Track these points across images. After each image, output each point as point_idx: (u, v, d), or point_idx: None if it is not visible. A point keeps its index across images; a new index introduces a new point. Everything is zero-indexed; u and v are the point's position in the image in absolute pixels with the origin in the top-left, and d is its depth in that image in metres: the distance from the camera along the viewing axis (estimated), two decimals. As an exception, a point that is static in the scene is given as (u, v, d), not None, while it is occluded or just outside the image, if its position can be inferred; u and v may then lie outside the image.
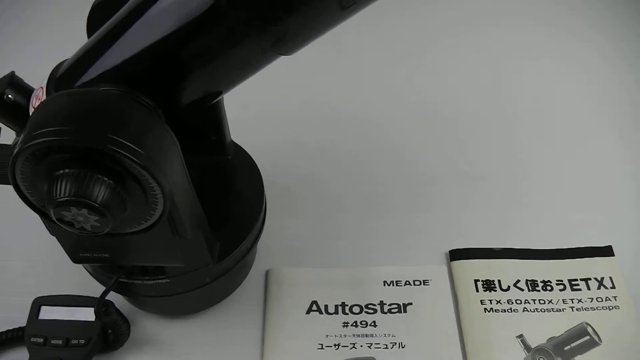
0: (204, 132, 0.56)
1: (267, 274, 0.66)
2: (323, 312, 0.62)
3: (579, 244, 0.66)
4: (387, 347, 0.60)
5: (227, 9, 0.39)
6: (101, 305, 0.54)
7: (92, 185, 0.39)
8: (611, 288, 0.63)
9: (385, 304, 0.63)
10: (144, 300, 0.60)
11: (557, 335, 0.59)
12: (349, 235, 0.69)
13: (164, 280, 0.54)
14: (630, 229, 0.68)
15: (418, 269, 0.65)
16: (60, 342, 0.57)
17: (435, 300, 0.63)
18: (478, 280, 0.64)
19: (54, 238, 0.50)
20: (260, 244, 0.61)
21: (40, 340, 0.57)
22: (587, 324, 0.60)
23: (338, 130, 0.80)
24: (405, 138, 0.79)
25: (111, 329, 0.57)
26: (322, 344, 0.60)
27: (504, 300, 0.62)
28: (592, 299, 0.62)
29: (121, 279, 0.53)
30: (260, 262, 0.66)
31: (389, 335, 0.61)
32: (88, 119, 0.40)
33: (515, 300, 0.62)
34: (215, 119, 0.55)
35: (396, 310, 0.62)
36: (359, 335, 0.61)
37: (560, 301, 0.62)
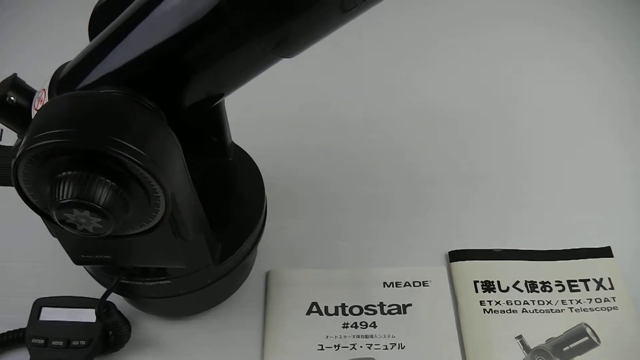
0: (206, 134, 0.56)
1: (267, 275, 0.66)
2: (323, 313, 0.63)
3: (578, 245, 0.67)
4: (387, 348, 0.60)
5: (231, 11, 0.40)
6: (102, 306, 0.54)
7: (95, 187, 0.39)
8: (610, 289, 0.63)
9: (385, 305, 0.63)
10: (145, 301, 0.60)
11: (556, 336, 0.60)
12: (349, 237, 0.69)
13: (165, 282, 0.54)
14: (629, 229, 0.68)
15: (418, 270, 0.66)
16: (61, 343, 0.57)
17: (435, 301, 0.63)
18: (477, 281, 0.64)
19: (54, 239, 0.50)
20: (261, 245, 0.61)
21: (41, 341, 0.57)
22: (586, 324, 0.60)
23: (338, 131, 0.80)
24: (405, 139, 0.79)
25: (112, 330, 0.58)
26: (322, 345, 0.60)
27: (503, 301, 0.62)
28: (591, 299, 0.62)
29: (122, 281, 0.53)
30: (260, 263, 0.66)
31: (388, 336, 0.61)
32: (91, 122, 0.40)
33: (515, 301, 0.62)
34: (216, 121, 0.55)
35: (396, 311, 0.63)
36: (358, 336, 0.61)
37: (559, 302, 0.62)
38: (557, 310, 0.62)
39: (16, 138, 0.52)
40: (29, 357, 0.58)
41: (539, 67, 0.86)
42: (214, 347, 0.61)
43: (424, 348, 0.60)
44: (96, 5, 0.50)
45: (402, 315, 0.62)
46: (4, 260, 0.68)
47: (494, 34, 0.91)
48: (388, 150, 0.78)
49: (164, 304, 0.58)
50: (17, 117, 0.49)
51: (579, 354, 0.58)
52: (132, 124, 0.41)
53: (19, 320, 0.59)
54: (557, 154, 0.77)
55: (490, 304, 0.62)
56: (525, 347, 0.59)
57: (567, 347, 0.59)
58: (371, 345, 0.60)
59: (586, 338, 0.59)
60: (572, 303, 0.62)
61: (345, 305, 0.63)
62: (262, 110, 0.78)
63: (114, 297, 0.56)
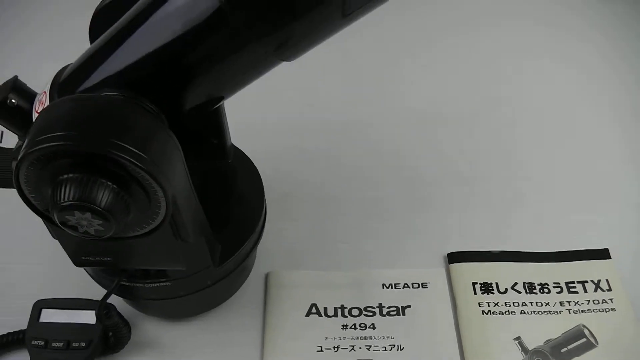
0: (206, 137, 0.56)
1: (267, 276, 0.66)
2: (322, 314, 0.63)
3: (576, 246, 0.67)
4: (385, 350, 0.60)
5: (232, 13, 0.40)
6: (103, 308, 0.54)
7: (96, 190, 0.40)
8: (608, 290, 0.63)
9: (384, 307, 0.63)
10: (145, 303, 0.60)
11: (555, 337, 0.60)
12: (348, 239, 0.69)
13: (165, 283, 0.54)
14: (627, 231, 0.69)
15: (416, 272, 0.66)
16: (61, 344, 0.57)
17: (434, 303, 0.63)
18: (476, 283, 0.64)
19: (54, 241, 0.50)
20: (260, 246, 0.61)
21: (41, 343, 0.57)
22: (584, 326, 0.60)
23: (336, 134, 0.80)
24: (404, 140, 0.79)
25: (112, 332, 0.58)
26: (321, 347, 0.60)
27: (501, 302, 0.63)
28: (589, 301, 0.63)
29: (122, 282, 0.53)
30: (260, 265, 0.66)
31: (387, 337, 0.61)
32: (92, 124, 0.40)
33: (513, 303, 0.63)
34: (216, 124, 0.56)
35: (395, 312, 0.63)
36: (358, 338, 0.61)
37: (558, 304, 0.63)
38: (555, 312, 0.62)
39: (17, 140, 0.52)
40: (29, 358, 0.58)
41: (539, 67, 0.86)
42: (213, 348, 0.61)
43: (422, 349, 0.60)
44: (96, 8, 0.50)
45: (401, 316, 0.62)
46: (4, 262, 0.68)
47: (494, 34, 0.91)
48: (387, 151, 0.78)
49: (164, 305, 0.58)
50: (18, 119, 0.50)
51: (577, 355, 0.58)
52: (133, 127, 0.41)
53: (19, 321, 0.59)
54: (556, 155, 0.77)
55: (489, 306, 0.62)
56: (524, 349, 0.59)
57: (565, 349, 0.59)
58: (370, 346, 0.60)
59: (584, 339, 0.59)
60: (570, 304, 0.62)
61: (345, 306, 0.63)
62: (260, 113, 0.78)
63: (114, 299, 0.56)
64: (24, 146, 0.40)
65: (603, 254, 0.66)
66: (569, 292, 0.63)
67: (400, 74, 0.87)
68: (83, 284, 0.59)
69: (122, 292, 0.57)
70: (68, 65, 0.49)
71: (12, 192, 0.44)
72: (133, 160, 0.39)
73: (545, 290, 0.64)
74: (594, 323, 0.60)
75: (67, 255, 0.50)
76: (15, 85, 0.50)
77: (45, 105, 0.47)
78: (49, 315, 0.59)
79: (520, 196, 0.73)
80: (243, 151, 0.63)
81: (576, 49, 0.88)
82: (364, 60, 0.89)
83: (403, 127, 0.81)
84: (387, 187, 0.74)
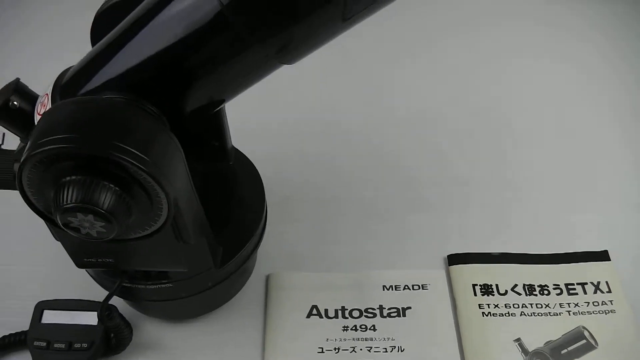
0: (207, 139, 0.57)
1: (267, 278, 0.66)
2: (323, 316, 0.63)
3: (575, 248, 0.67)
4: (386, 351, 0.60)
5: (233, 17, 0.40)
6: (104, 309, 0.54)
7: (99, 192, 0.40)
8: (607, 292, 0.63)
9: (385, 308, 0.63)
10: (147, 304, 0.60)
11: (554, 339, 0.60)
12: (349, 240, 0.69)
13: (166, 285, 0.54)
14: (626, 233, 0.69)
15: (417, 274, 0.66)
16: (63, 346, 0.57)
17: (434, 305, 0.64)
18: (476, 285, 0.64)
19: (56, 242, 0.50)
20: (261, 248, 0.61)
21: (43, 344, 0.58)
22: (584, 327, 0.60)
23: (336, 136, 0.80)
24: (404, 142, 0.79)
25: (114, 333, 0.58)
26: (322, 348, 0.61)
27: (501, 304, 0.63)
28: (589, 303, 0.63)
29: (124, 284, 0.54)
30: (260, 267, 0.66)
31: (388, 339, 0.61)
32: (94, 127, 0.41)
33: (513, 305, 0.63)
34: (217, 126, 0.56)
35: (395, 314, 0.63)
36: (358, 339, 0.61)
37: (557, 305, 0.63)
38: (555, 314, 0.62)
39: (18, 142, 0.52)
40: (30, 359, 0.58)
41: (539, 67, 0.86)
42: (214, 349, 0.61)
43: (423, 351, 0.60)
44: (98, 11, 0.50)
45: (402, 318, 0.63)
46: (6, 263, 0.68)
47: (494, 34, 0.91)
48: (387, 153, 0.78)
49: (166, 306, 0.59)
50: (20, 121, 0.50)
51: (577, 356, 0.59)
52: (135, 129, 0.41)
53: (21, 323, 0.60)
54: (556, 156, 0.77)
55: (489, 307, 0.63)
56: (524, 350, 0.59)
57: (565, 350, 0.59)
58: (371, 348, 0.60)
59: (584, 341, 0.60)
60: (569, 306, 0.63)
61: (345, 308, 0.63)
62: (261, 115, 0.78)
63: (115, 300, 0.56)
64: (26, 149, 0.40)
65: (603, 256, 0.66)
66: (569, 293, 0.64)
67: (400, 75, 0.87)
68: (85, 285, 0.59)
69: (124, 294, 0.57)
70: (70, 67, 0.49)
71: (14, 194, 0.44)
72: (135, 163, 0.39)
73: (545, 292, 0.64)
74: (593, 325, 0.61)
75: (68, 257, 0.51)
76: (17, 88, 0.50)
77: (47, 108, 0.47)
78: (50, 317, 0.59)
79: (520, 198, 0.73)
80: (244, 153, 0.64)
81: (576, 49, 0.88)
82: (362, 61, 0.89)
83: (403, 128, 0.81)
84: (388, 189, 0.74)
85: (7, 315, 0.62)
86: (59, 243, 0.50)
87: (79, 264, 0.51)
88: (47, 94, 0.48)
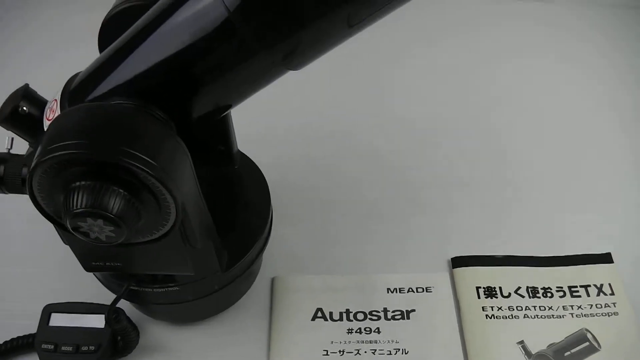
0: (213, 144, 0.57)
1: (273, 281, 0.67)
2: (328, 318, 0.63)
3: (578, 251, 0.67)
4: (390, 353, 0.60)
5: (240, 24, 0.40)
6: (112, 312, 0.54)
7: (108, 197, 0.40)
8: (610, 295, 0.64)
9: (389, 311, 0.64)
10: (154, 307, 0.61)
11: (558, 341, 0.60)
12: (353, 243, 0.70)
13: (173, 288, 0.55)
14: (629, 236, 0.69)
15: (421, 276, 0.66)
16: (70, 348, 0.58)
17: (438, 307, 0.64)
18: (480, 287, 0.65)
19: (64, 246, 0.51)
20: (267, 251, 0.62)
21: (51, 346, 0.58)
22: (587, 330, 0.61)
23: (340, 139, 0.80)
24: (407, 144, 0.80)
25: (121, 336, 0.58)
26: (327, 350, 0.61)
27: (505, 306, 0.63)
28: (592, 305, 0.63)
29: (131, 287, 0.54)
30: (266, 270, 0.66)
31: (392, 341, 0.61)
32: (103, 133, 0.41)
33: (516, 307, 0.63)
34: (223, 130, 0.56)
35: (399, 316, 0.63)
36: (363, 342, 0.62)
37: (561, 308, 0.63)
38: (558, 316, 0.62)
39: (27, 147, 0.53)
40: (38, 362, 0.58)
41: (539, 67, 0.86)
42: (220, 352, 0.62)
43: (427, 353, 0.60)
44: (105, 17, 0.50)
45: (406, 320, 0.63)
46: (15, 266, 0.68)
47: (494, 34, 0.91)
48: (391, 156, 0.78)
49: (172, 310, 0.59)
50: (29, 126, 0.50)
51: (580, 359, 0.59)
52: (143, 135, 0.42)
53: (29, 325, 0.60)
54: (558, 158, 0.77)
55: (492, 310, 0.63)
56: (527, 352, 0.60)
57: (568, 352, 0.59)
58: (375, 350, 0.61)
59: (587, 343, 0.60)
60: (573, 309, 0.63)
61: (350, 311, 0.64)
62: (266, 119, 0.78)
63: (122, 303, 0.57)
64: (36, 155, 0.41)
65: (606, 258, 0.66)
66: (572, 296, 0.64)
67: (400, 77, 0.87)
68: (92, 288, 0.59)
69: (131, 297, 0.58)
70: (78, 73, 0.50)
71: (23, 198, 0.45)
72: (144, 168, 0.40)
73: (549, 294, 0.64)
74: (596, 327, 0.61)
75: (76, 260, 0.51)
76: (26, 93, 0.50)
77: (56, 113, 0.48)
78: (58, 320, 0.60)
79: (520, 198, 0.73)
80: (249, 157, 0.64)
81: (576, 49, 0.89)
82: (363, 63, 0.89)
83: (405, 130, 0.81)
84: (391, 192, 0.75)
85: (15, 318, 0.62)
86: (66, 247, 0.50)
87: (87, 268, 0.51)
88: (55, 100, 0.49)
